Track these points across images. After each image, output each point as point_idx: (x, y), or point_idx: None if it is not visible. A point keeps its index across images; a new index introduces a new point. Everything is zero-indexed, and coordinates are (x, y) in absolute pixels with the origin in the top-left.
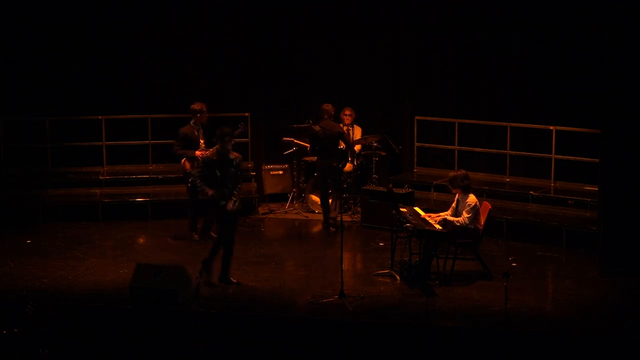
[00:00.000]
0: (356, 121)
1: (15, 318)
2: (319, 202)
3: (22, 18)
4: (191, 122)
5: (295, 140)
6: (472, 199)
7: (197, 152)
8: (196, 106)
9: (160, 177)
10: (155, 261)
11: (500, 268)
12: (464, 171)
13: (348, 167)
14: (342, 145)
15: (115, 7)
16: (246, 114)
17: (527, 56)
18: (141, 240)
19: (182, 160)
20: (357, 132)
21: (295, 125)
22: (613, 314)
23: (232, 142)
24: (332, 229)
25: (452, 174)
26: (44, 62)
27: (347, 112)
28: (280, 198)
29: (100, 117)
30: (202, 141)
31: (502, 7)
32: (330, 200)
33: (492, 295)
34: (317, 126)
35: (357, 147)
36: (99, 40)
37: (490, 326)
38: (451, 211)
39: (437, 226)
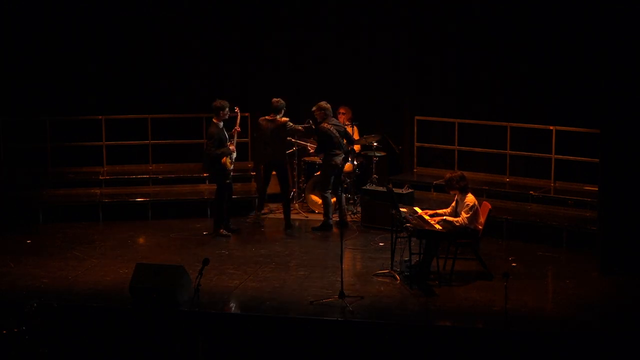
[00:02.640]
0: (355, 120)
1: (15, 318)
2: (320, 202)
3: (22, 18)
4: (215, 120)
5: (295, 140)
6: (470, 198)
7: (232, 147)
8: (220, 103)
9: (160, 177)
10: (155, 261)
11: (500, 268)
12: (460, 172)
13: (348, 167)
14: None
15: (115, 7)
16: (246, 114)
17: (527, 56)
18: (141, 240)
19: (224, 160)
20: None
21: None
22: (613, 314)
23: None
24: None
25: (448, 175)
26: (44, 62)
27: (342, 111)
28: (281, 198)
29: (100, 117)
30: (227, 135)
31: (502, 7)
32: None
33: (492, 295)
34: (328, 124)
35: (357, 147)
36: (99, 40)
37: (490, 326)
38: (451, 210)
39: (437, 226)
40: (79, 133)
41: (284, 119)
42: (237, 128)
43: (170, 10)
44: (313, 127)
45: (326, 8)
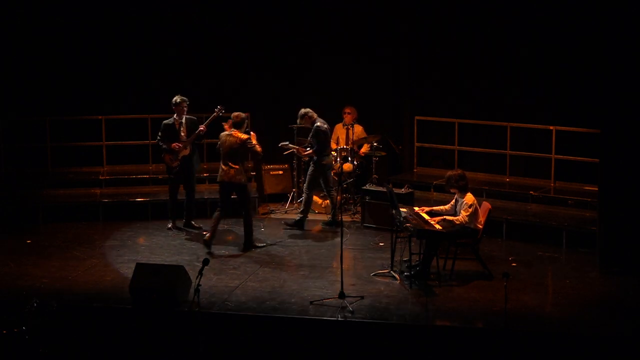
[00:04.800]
0: (357, 120)
1: (15, 318)
2: (319, 202)
3: (22, 18)
4: (175, 116)
5: (290, 145)
6: (469, 197)
7: (175, 145)
8: (178, 98)
9: (160, 177)
10: (155, 261)
11: (500, 268)
12: (460, 171)
13: (348, 167)
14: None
15: (115, 7)
16: (246, 114)
17: (527, 56)
18: (141, 240)
19: (164, 156)
20: (357, 131)
21: (295, 126)
22: (613, 314)
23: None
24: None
25: (448, 173)
26: (44, 62)
27: (348, 111)
28: (280, 198)
29: (100, 117)
30: (183, 134)
31: (502, 7)
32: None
33: (492, 295)
34: (323, 124)
35: (366, 147)
36: (98, 40)
37: (490, 326)
38: (449, 208)
39: (437, 226)
40: (79, 133)
41: (245, 135)
42: (202, 127)
43: (171, 9)
44: (323, 126)
45: (327, 8)
